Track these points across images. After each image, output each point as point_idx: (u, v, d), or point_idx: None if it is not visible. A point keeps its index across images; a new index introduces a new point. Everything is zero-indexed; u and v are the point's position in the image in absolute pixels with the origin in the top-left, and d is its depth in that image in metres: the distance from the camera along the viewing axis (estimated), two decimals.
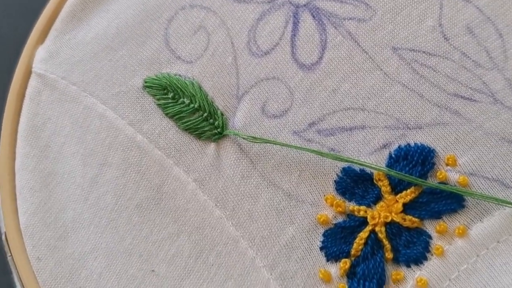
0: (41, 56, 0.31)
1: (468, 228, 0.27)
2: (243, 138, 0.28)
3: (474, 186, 0.27)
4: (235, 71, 0.29)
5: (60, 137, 0.30)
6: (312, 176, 0.28)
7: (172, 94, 0.29)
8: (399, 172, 0.26)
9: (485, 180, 0.27)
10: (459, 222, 0.27)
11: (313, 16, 0.29)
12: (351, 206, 0.27)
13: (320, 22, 0.29)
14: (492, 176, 0.27)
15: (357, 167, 0.27)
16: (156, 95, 0.29)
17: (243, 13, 0.30)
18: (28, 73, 0.31)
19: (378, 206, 0.27)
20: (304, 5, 0.29)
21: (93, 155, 0.29)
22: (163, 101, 0.29)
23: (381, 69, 0.28)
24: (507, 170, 0.27)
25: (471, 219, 0.27)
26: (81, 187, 0.29)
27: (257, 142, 0.28)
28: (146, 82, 0.29)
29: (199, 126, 0.28)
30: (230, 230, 0.28)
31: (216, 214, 0.28)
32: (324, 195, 0.27)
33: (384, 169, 0.27)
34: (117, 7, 0.31)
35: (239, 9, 0.30)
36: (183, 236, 0.28)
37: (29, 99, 0.31)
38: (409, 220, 0.27)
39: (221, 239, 0.28)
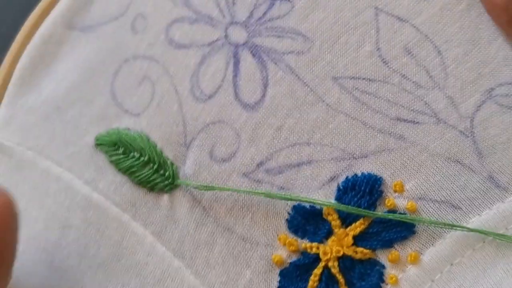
0: None
1: (421, 253, 0.27)
2: (194, 187, 0.29)
3: (423, 210, 0.27)
4: (181, 118, 0.30)
5: (21, 204, 0.30)
6: (264, 217, 0.28)
7: (122, 149, 0.30)
8: (346, 205, 0.27)
9: (433, 203, 0.27)
10: (411, 249, 0.27)
11: (253, 54, 0.29)
12: (304, 243, 0.28)
13: (260, 59, 0.29)
14: (440, 198, 0.27)
15: (306, 204, 0.28)
16: (108, 152, 0.30)
17: (184, 59, 0.30)
18: None
19: (329, 241, 0.27)
20: (243, 44, 0.30)
21: (54, 218, 0.30)
22: (115, 157, 0.30)
23: (323, 101, 0.28)
24: (455, 191, 0.27)
25: (422, 244, 0.27)
26: (46, 251, 0.30)
27: (206, 190, 0.28)
28: (97, 140, 0.30)
29: (150, 178, 0.29)
30: (190, 279, 0.28)
31: (175, 264, 0.29)
32: (278, 235, 0.28)
33: (330, 204, 0.27)
34: (64, 67, 0.32)
35: (180, 55, 0.30)
36: None
37: None
38: (361, 252, 0.27)
39: None
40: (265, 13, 0.30)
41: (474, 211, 0.27)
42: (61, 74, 0.32)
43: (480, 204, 0.27)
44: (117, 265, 0.29)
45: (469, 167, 0.27)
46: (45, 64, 0.32)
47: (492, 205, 0.27)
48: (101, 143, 0.30)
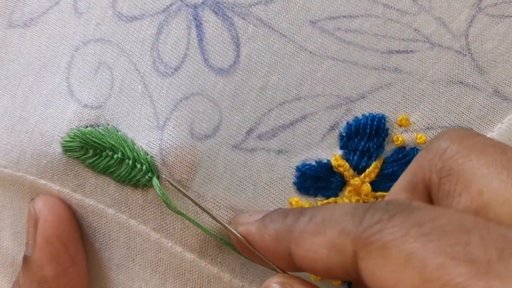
0: None
1: None
2: (176, 188, 0.25)
3: None
4: (149, 99, 0.26)
5: (24, 219, 0.28)
6: (269, 185, 0.26)
7: (92, 151, 0.26)
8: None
9: (443, 130, 0.25)
10: None
11: (215, 13, 0.26)
12: (318, 201, 0.25)
13: (225, 16, 0.26)
14: (449, 123, 0.26)
15: (311, 161, 0.25)
16: (78, 157, 0.26)
17: (139, 32, 0.27)
18: None
19: (346, 192, 0.25)
20: (202, 3, 0.27)
21: None
22: (88, 161, 0.26)
23: (305, 49, 0.26)
24: (462, 113, 0.26)
25: None
26: None
27: (186, 196, 0.25)
28: (63, 147, 0.27)
29: (130, 176, 0.26)
30: (207, 268, 0.26)
31: (187, 257, 0.26)
32: (288, 200, 0.26)
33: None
34: (16, 71, 0.28)
35: (133, 29, 0.27)
36: (168, 284, 0.27)
37: None
38: (381, 196, 0.25)
39: (203, 281, 0.26)
40: None
41: (487, 128, 0.26)
42: (14, 79, 0.28)
43: (490, 120, 0.26)
44: (133, 265, 0.27)
45: (472, 85, 0.26)
46: None
47: (503, 119, 0.26)
48: (68, 150, 0.26)
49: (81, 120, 0.27)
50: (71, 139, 0.26)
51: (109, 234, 0.27)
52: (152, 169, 0.26)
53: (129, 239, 0.27)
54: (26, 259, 0.27)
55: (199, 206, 0.25)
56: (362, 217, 0.20)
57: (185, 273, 0.27)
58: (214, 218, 0.25)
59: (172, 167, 0.26)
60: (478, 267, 0.17)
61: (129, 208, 0.26)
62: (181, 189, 0.25)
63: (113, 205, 0.27)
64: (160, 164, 0.26)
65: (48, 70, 0.28)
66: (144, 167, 0.26)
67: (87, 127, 0.27)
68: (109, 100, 0.27)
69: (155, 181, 0.25)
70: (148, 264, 0.27)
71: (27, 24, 0.28)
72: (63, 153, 0.27)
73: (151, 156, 0.26)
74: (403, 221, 0.19)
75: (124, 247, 0.27)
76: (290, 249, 0.22)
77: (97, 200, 0.27)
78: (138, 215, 0.26)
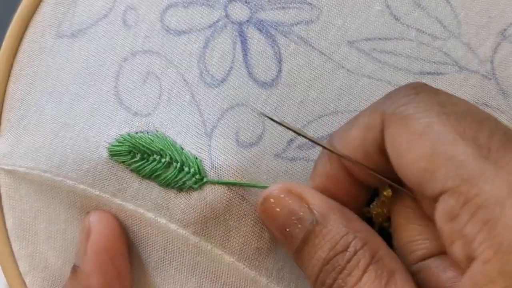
0: (3, 151, 0.30)
1: None
2: (223, 183, 0.27)
3: None
4: (197, 108, 0.28)
5: (58, 224, 0.30)
6: None
7: (139, 155, 0.28)
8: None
9: None
10: None
11: (260, 30, 0.29)
12: None
13: (269, 34, 0.29)
14: None
15: None
16: (125, 161, 0.28)
17: (187, 46, 0.29)
18: None
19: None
20: (247, 21, 0.29)
21: None
22: (134, 165, 0.28)
23: (343, 67, 0.28)
24: None
25: None
26: None
27: (238, 185, 0.27)
28: (110, 151, 0.28)
29: (177, 178, 0.28)
30: (245, 271, 0.28)
31: (226, 260, 0.28)
32: None
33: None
34: (62, 79, 0.30)
35: (181, 42, 0.29)
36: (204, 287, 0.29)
37: (7, 197, 0.30)
38: None
39: (240, 284, 0.28)
40: None
41: None
42: (60, 87, 0.30)
43: None
44: (169, 268, 0.29)
45: (496, 107, 0.28)
46: (41, 80, 0.30)
47: None
48: (115, 154, 0.28)
49: (131, 127, 0.29)
50: (119, 144, 0.28)
51: (147, 238, 0.29)
52: (201, 171, 0.27)
53: (167, 242, 0.29)
54: (75, 269, 0.28)
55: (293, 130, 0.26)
56: (390, 95, 0.24)
57: (222, 276, 0.28)
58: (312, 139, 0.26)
59: (221, 170, 0.28)
60: (480, 151, 0.20)
61: (170, 212, 0.28)
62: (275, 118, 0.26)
63: (154, 210, 0.28)
64: (209, 167, 0.28)
65: (95, 79, 0.29)
66: (192, 169, 0.27)
67: (136, 133, 0.28)
68: (158, 108, 0.29)
69: (206, 179, 0.27)
70: (185, 267, 0.29)
71: (75, 35, 0.30)
72: (109, 158, 0.28)
73: (200, 160, 0.28)
74: (428, 98, 0.22)
75: (161, 250, 0.29)
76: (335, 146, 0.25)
77: (137, 204, 0.28)
78: (178, 220, 0.28)
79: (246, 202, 0.28)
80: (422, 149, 0.21)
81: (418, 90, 0.23)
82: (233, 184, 0.27)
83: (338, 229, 0.24)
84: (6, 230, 0.30)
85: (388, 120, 0.23)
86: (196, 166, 0.28)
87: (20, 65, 0.31)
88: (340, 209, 0.25)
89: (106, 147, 0.28)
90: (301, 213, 0.24)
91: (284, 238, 0.25)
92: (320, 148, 0.27)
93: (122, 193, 0.28)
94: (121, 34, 0.30)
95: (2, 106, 0.31)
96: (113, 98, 0.29)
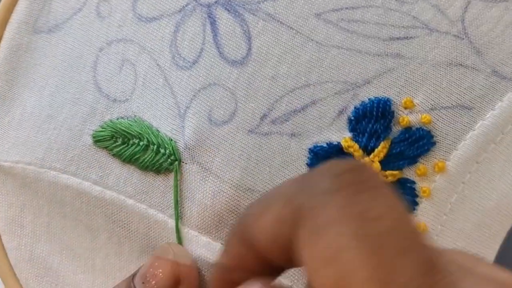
0: None
1: (446, 160, 0.27)
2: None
3: (438, 120, 0.28)
4: (170, 90, 0.29)
5: (42, 217, 0.31)
6: (283, 167, 0.28)
7: (120, 139, 0.29)
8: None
9: (446, 110, 0.28)
10: (436, 159, 0.27)
11: (228, 10, 0.29)
12: None
13: (237, 13, 0.29)
14: (451, 104, 0.28)
15: (323, 143, 0.28)
16: (108, 146, 0.29)
17: (158, 31, 0.30)
18: None
19: None
20: (215, 2, 0.29)
21: (79, 225, 0.30)
22: (116, 149, 0.29)
23: (312, 40, 0.28)
24: (464, 93, 0.28)
25: (445, 151, 0.27)
26: (84, 256, 0.30)
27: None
28: (94, 137, 0.29)
29: (154, 160, 0.29)
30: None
31: (202, 241, 0.28)
32: None
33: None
34: (42, 73, 0.31)
35: (153, 28, 0.30)
36: None
37: None
38: (391, 175, 0.27)
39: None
40: None
41: (487, 107, 0.28)
42: (40, 81, 0.31)
43: (491, 99, 0.28)
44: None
45: (471, 67, 0.28)
46: (21, 76, 0.31)
47: (503, 97, 0.28)
48: (99, 140, 0.29)
49: (112, 114, 0.30)
50: (102, 129, 0.29)
51: (129, 226, 0.30)
52: (175, 153, 0.28)
53: (149, 229, 0.29)
54: None
55: None
56: (308, 183, 0.19)
57: (210, 258, 0.29)
58: None
59: (193, 151, 0.28)
60: None
61: (149, 197, 0.29)
62: None
63: (134, 195, 0.29)
64: (183, 148, 0.28)
65: (74, 70, 0.31)
66: (167, 151, 0.28)
67: (117, 119, 0.30)
68: (134, 93, 0.30)
69: (175, 165, 0.28)
70: None
71: (52, 30, 0.31)
72: (92, 144, 0.30)
73: (175, 142, 0.28)
74: (347, 203, 0.18)
75: (144, 238, 0.30)
76: (250, 237, 0.21)
77: (118, 191, 0.29)
78: (157, 204, 0.29)
79: (220, 180, 0.28)
80: (326, 279, 0.17)
81: (336, 186, 0.18)
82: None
83: None
84: None
85: (297, 223, 0.19)
86: (171, 148, 0.28)
87: (3, 59, 0.32)
88: None
89: (90, 134, 0.30)
90: None
91: None
92: None
93: (104, 180, 0.29)
94: (96, 26, 0.31)
95: None
96: (92, 87, 0.30)
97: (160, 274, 0.26)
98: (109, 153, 0.29)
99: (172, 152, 0.28)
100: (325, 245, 0.17)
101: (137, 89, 0.30)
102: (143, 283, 0.27)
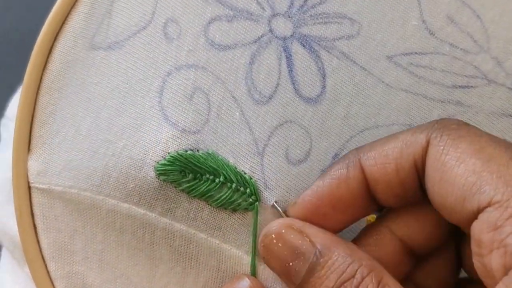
0: (37, 169, 0.30)
1: None
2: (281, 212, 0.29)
3: None
4: (247, 126, 0.30)
5: (95, 244, 0.30)
6: None
7: (191, 175, 0.29)
8: None
9: None
10: None
11: (303, 45, 0.30)
12: None
13: (312, 49, 0.30)
14: None
15: None
16: (175, 181, 0.29)
17: (233, 61, 0.30)
18: (27, 189, 0.30)
19: None
20: (291, 36, 0.30)
21: (139, 254, 0.30)
22: (186, 185, 0.29)
23: (382, 81, 0.30)
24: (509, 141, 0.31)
25: None
26: (141, 285, 0.30)
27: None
28: (158, 171, 0.29)
29: (231, 199, 0.29)
30: None
31: (278, 278, 0.30)
32: (366, 219, 0.30)
33: None
34: (99, 93, 0.30)
35: (227, 57, 0.30)
36: None
37: (42, 217, 0.30)
38: None
39: None
40: (306, 1, 0.30)
41: None
42: (98, 101, 0.30)
43: None
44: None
45: None
46: (75, 94, 0.30)
47: None
48: (163, 173, 0.29)
49: (179, 145, 0.29)
50: (169, 163, 0.29)
51: (198, 258, 0.30)
52: (256, 193, 0.29)
53: (220, 263, 0.30)
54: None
55: None
56: (439, 121, 0.26)
57: None
58: None
59: (273, 191, 0.30)
60: None
61: (223, 233, 0.30)
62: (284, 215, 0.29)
63: (206, 230, 0.30)
64: (263, 188, 0.29)
65: (136, 93, 0.30)
66: (247, 190, 0.29)
67: (186, 151, 0.29)
68: (207, 125, 0.30)
69: (256, 206, 0.29)
70: None
71: (112, 47, 0.30)
72: (156, 177, 0.29)
73: (255, 180, 0.29)
74: (478, 130, 0.25)
75: (213, 270, 0.30)
76: (360, 162, 0.27)
77: (188, 225, 0.30)
78: (232, 240, 0.30)
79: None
80: (472, 166, 0.24)
81: (467, 123, 0.26)
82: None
83: (343, 258, 0.26)
84: (41, 250, 0.31)
85: (436, 139, 0.25)
86: (252, 187, 0.29)
87: (51, 77, 0.30)
88: (341, 240, 0.27)
89: (153, 166, 0.29)
90: (304, 247, 0.26)
91: (287, 272, 0.27)
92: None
93: (171, 213, 0.30)
94: (163, 47, 0.30)
95: (33, 121, 0.30)
96: (158, 114, 0.30)
97: None
98: (176, 188, 0.29)
99: (253, 191, 0.29)
100: (467, 145, 0.24)
101: (210, 121, 0.30)
102: None
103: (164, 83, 0.30)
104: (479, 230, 0.24)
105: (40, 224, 0.31)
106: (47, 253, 0.31)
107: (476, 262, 0.24)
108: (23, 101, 0.30)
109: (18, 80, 0.31)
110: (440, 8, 0.31)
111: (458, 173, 0.24)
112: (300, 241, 0.26)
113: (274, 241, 0.26)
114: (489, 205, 0.23)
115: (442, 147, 0.25)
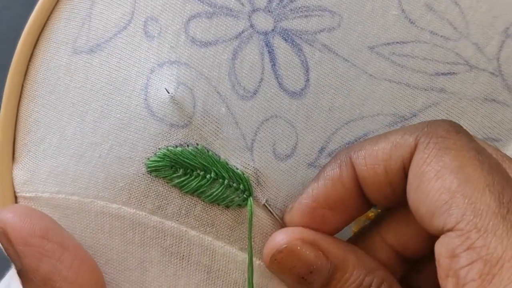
0: (23, 178, 0.30)
1: None
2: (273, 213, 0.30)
3: None
4: (234, 120, 0.30)
5: (87, 250, 0.30)
6: None
7: (182, 170, 0.29)
8: None
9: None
10: None
11: (285, 39, 0.30)
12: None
13: (294, 43, 0.30)
14: (483, 136, 0.32)
15: None
16: (166, 176, 0.29)
17: (215, 57, 0.30)
18: (13, 199, 0.30)
19: None
20: (272, 30, 0.30)
21: (129, 257, 0.30)
22: (177, 180, 0.29)
23: (365, 72, 0.31)
24: (494, 127, 0.32)
25: None
26: (131, 284, 0.30)
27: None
28: (149, 167, 0.29)
29: (224, 195, 0.29)
30: None
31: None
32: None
33: None
34: (83, 97, 0.30)
35: (209, 54, 0.30)
36: None
37: None
38: None
39: None
40: None
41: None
42: (82, 105, 0.30)
43: None
44: (214, 286, 0.30)
45: (503, 102, 0.32)
46: (59, 100, 0.30)
47: None
48: (155, 169, 0.29)
49: (169, 140, 0.30)
50: (160, 159, 0.29)
51: (189, 258, 0.30)
52: (249, 189, 0.29)
53: (213, 261, 0.30)
54: (20, 274, 0.27)
55: None
56: (429, 125, 0.26)
57: None
58: None
59: (263, 186, 0.30)
60: (501, 209, 0.23)
61: (216, 229, 0.30)
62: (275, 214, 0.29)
63: (198, 227, 0.30)
64: (255, 184, 0.30)
65: (121, 93, 0.30)
66: (241, 186, 0.29)
67: (176, 147, 0.29)
68: (194, 118, 0.30)
69: (250, 201, 0.29)
70: (232, 284, 0.30)
71: (94, 50, 0.31)
72: (147, 174, 0.29)
73: (247, 176, 0.30)
74: (466, 141, 0.25)
75: (205, 270, 0.30)
76: (352, 161, 0.27)
77: (180, 222, 0.30)
78: (225, 236, 0.30)
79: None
80: (449, 184, 0.24)
81: (458, 129, 0.25)
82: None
83: (358, 272, 0.26)
84: None
85: (423, 145, 0.25)
86: (245, 183, 0.29)
87: (34, 84, 0.31)
88: (353, 251, 0.27)
89: (143, 163, 0.30)
90: (319, 262, 0.27)
91: (300, 285, 0.27)
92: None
93: (162, 210, 0.30)
94: (144, 46, 0.30)
95: (15, 129, 0.30)
96: (144, 111, 0.30)
97: None
98: (168, 183, 0.30)
99: (246, 187, 0.29)
100: (450, 160, 0.24)
101: (196, 114, 0.30)
102: None
103: (148, 80, 0.30)
104: (439, 252, 0.24)
105: None
106: None
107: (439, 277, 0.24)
108: (5, 110, 0.30)
109: None
110: None
111: (434, 187, 0.24)
112: (314, 256, 0.26)
113: (287, 256, 0.27)
114: (452, 229, 0.23)
115: (426, 155, 0.25)
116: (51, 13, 0.30)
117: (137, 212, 0.30)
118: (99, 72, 0.30)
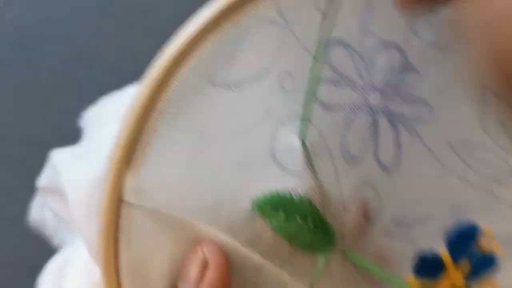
0: (134, 186, 0.31)
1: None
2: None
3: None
4: (337, 182, 0.33)
5: (172, 264, 0.32)
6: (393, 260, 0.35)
7: (283, 214, 0.32)
8: None
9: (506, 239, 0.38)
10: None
11: (389, 121, 0.34)
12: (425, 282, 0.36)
13: (395, 126, 0.34)
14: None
15: (429, 254, 0.36)
16: (268, 217, 0.32)
17: (333, 121, 0.34)
18: (116, 202, 0.30)
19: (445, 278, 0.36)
20: (381, 110, 0.34)
21: None
22: (276, 223, 0.32)
23: (443, 165, 0.35)
24: None
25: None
26: None
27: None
28: (255, 204, 0.32)
29: (312, 244, 0.33)
30: None
31: None
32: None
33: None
34: (212, 126, 0.32)
35: (329, 117, 0.34)
36: None
37: (127, 231, 0.31)
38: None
39: None
40: (399, 81, 0.34)
41: None
42: (208, 134, 0.32)
43: None
44: None
45: None
46: (186, 122, 0.31)
47: None
48: (259, 207, 0.32)
49: (278, 183, 0.32)
50: (267, 199, 0.32)
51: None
52: (336, 242, 0.33)
53: None
54: None
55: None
56: None
57: None
58: None
59: (346, 243, 0.34)
60: None
61: (294, 268, 0.33)
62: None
63: (280, 265, 0.32)
64: (339, 239, 0.33)
65: (248, 133, 0.32)
66: (329, 239, 0.33)
67: (285, 192, 0.32)
68: (306, 170, 0.33)
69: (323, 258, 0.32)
70: None
71: (230, 87, 0.32)
72: (251, 210, 0.32)
73: (336, 232, 0.33)
74: None
75: None
76: None
77: (265, 257, 0.32)
78: (298, 275, 0.33)
79: (357, 271, 0.34)
80: None
81: None
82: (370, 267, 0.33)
83: None
84: (117, 264, 0.31)
85: None
86: (333, 237, 0.33)
87: (166, 102, 0.31)
88: None
89: (250, 198, 0.32)
90: None
91: None
92: None
93: (253, 245, 0.32)
94: (279, 97, 0.33)
95: (135, 138, 0.31)
96: (266, 155, 0.32)
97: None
98: (267, 223, 0.32)
99: (333, 241, 0.33)
100: None
101: (308, 168, 0.33)
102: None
103: (277, 129, 0.33)
104: None
105: (124, 238, 0.31)
106: (124, 269, 0.32)
107: None
108: (134, 120, 0.30)
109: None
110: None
111: None
112: None
113: None
114: None
115: None
116: (196, 44, 0.31)
117: (233, 240, 0.32)
118: (233, 109, 0.32)
